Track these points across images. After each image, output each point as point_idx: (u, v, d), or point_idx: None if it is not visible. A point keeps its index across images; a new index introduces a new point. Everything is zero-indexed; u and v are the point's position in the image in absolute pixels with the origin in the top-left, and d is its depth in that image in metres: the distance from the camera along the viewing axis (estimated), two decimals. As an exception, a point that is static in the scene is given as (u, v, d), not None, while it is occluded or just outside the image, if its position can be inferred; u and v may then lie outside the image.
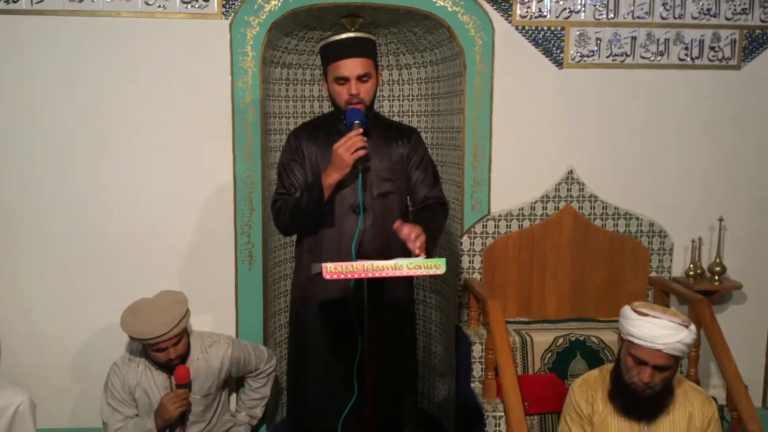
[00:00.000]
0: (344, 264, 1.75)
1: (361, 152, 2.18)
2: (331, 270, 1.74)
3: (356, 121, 2.23)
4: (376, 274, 1.76)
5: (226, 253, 3.14)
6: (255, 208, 3.12)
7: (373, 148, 2.29)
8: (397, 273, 1.77)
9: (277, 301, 3.46)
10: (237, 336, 3.18)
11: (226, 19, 3.04)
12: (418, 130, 3.60)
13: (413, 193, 2.45)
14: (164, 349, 2.62)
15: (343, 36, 2.29)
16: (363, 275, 1.75)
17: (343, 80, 2.27)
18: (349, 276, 1.74)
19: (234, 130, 3.09)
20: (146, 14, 3.01)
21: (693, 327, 2.15)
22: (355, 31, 3.24)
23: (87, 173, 3.09)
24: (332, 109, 2.48)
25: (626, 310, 2.21)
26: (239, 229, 3.14)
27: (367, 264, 1.76)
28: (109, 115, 3.06)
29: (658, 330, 2.09)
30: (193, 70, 3.06)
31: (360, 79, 2.27)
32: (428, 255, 2.26)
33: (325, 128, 2.41)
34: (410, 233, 2.06)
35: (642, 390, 2.16)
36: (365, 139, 2.20)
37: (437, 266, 1.79)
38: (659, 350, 2.09)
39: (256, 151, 3.10)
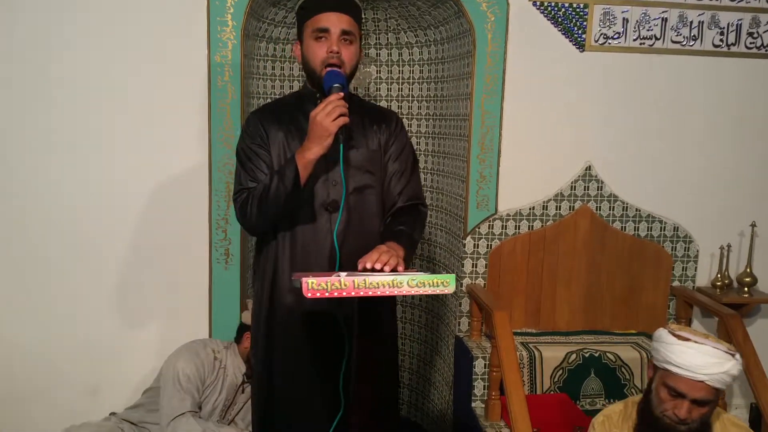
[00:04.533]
0: (330, 279, 1.41)
1: (345, 119, 1.79)
2: (313, 287, 1.39)
3: (335, 85, 1.85)
4: (369, 293, 1.41)
5: (199, 250, 2.79)
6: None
7: (351, 135, 1.92)
8: (395, 291, 1.43)
9: (258, 304, 3.11)
10: (210, 343, 2.83)
11: (204, -18, 2.67)
12: (419, 116, 3.27)
13: (387, 187, 2.07)
14: None
15: None
16: (353, 294, 1.41)
17: (324, 33, 1.90)
18: (335, 294, 1.40)
19: (210, 111, 2.72)
20: (112, -25, 2.63)
21: (738, 356, 1.83)
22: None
23: (40, 158, 2.71)
24: (299, 89, 2.12)
25: (662, 333, 1.88)
26: (214, 223, 2.78)
27: (359, 280, 1.41)
28: (65, 92, 2.68)
29: (701, 358, 1.78)
30: (164, 41, 2.68)
31: (344, 38, 1.91)
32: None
33: (291, 111, 2.03)
34: (375, 261, 1.67)
35: (675, 426, 1.84)
36: (346, 104, 1.82)
37: (445, 284, 1.44)
38: (701, 381, 1.78)
39: (236, 136, 2.69)
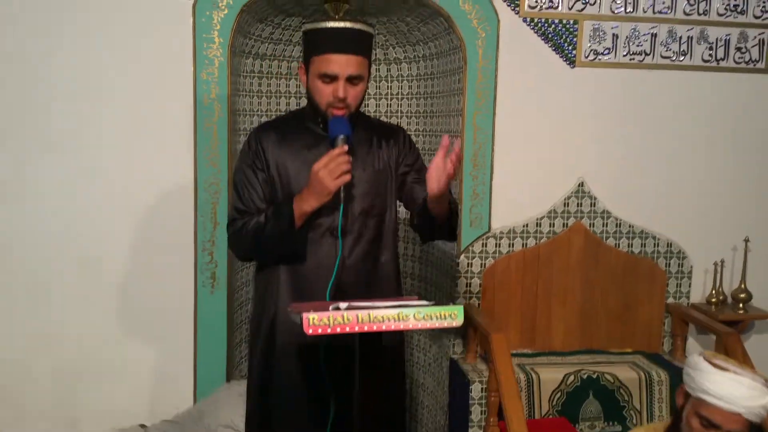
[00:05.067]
0: (331, 314, 1.33)
1: (346, 177, 1.76)
2: (314, 322, 1.31)
3: (341, 136, 1.80)
4: (374, 327, 1.34)
5: (183, 274, 2.68)
6: (219, 221, 2.67)
7: (355, 155, 1.86)
8: (401, 325, 1.36)
9: (244, 328, 3.01)
10: (195, 371, 2.72)
11: (189, -2, 2.59)
12: (409, 133, 3.20)
13: (411, 196, 2.01)
14: None
15: (339, 25, 1.85)
16: (356, 329, 1.33)
17: (330, 79, 1.84)
18: (338, 330, 1.32)
19: (196, 129, 2.63)
20: (93, -9, 2.54)
21: None
22: (340, 18, 2.84)
23: (16, 175, 2.59)
24: (303, 106, 2.06)
25: (699, 360, 1.80)
26: (200, 245, 2.68)
27: (363, 314, 1.34)
28: (45, 109, 2.58)
29: (740, 389, 1.70)
30: (149, 58, 2.60)
31: (350, 80, 1.85)
32: (452, 228, 1.92)
33: (295, 129, 1.97)
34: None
35: None
36: (350, 159, 1.78)
37: (453, 316, 1.38)
38: (738, 414, 1.70)
39: (222, 155, 2.65)
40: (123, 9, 2.57)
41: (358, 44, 1.85)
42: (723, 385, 1.70)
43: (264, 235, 1.82)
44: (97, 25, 2.56)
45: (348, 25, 1.84)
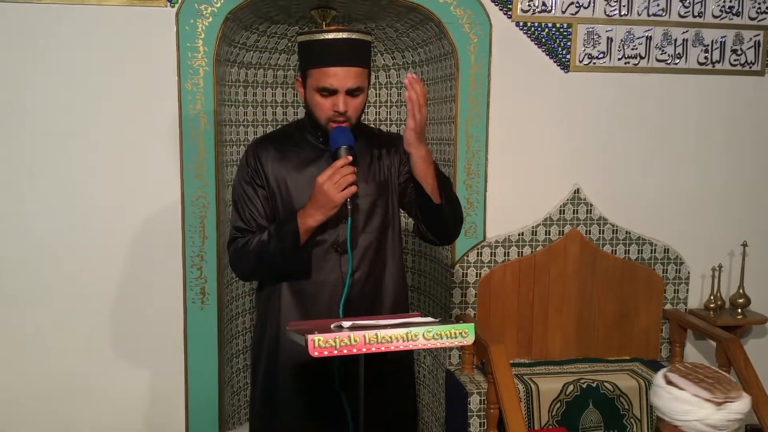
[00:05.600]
0: (337, 335, 1.26)
1: (352, 189, 1.70)
2: (320, 345, 1.24)
3: (344, 146, 1.74)
4: (382, 348, 1.27)
5: (172, 290, 2.59)
6: (208, 235, 2.58)
7: (358, 166, 1.79)
8: (410, 345, 1.29)
9: (235, 342, 2.92)
10: (186, 386, 2.63)
11: (172, 6, 2.50)
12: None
13: (412, 202, 1.91)
14: None
15: (338, 36, 1.77)
16: (364, 350, 1.26)
17: (329, 92, 1.77)
18: (345, 352, 1.25)
19: (182, 141, 2.55)
20: (75, 0, 2.44)
21: (736, 405, 1.70)
22: (328, 24, 2.78)
23: (10, 196, 2.50)
24: (303, 117, 1.98)
25: (657, 375, 1.77)
26: (189, 261, 2.59)
27: (370, 335, 1.26)
28: (28, 123, 2.48)
29: (677, 404, 1.67)
30: (132, 69, 2.51)
31: (350, 93, 1.78)
32: (449, 202, 1.82)
33: (294, 143, 1.90)
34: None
35: None
36: (355, 169, 1.72)
37: (464, 334, 1.31)
38: (676, 426, 1.68)
39: (209, 167, 2.57)
40: (107, 20, 2.47)
41: (356, 55, 1.78)
42: (663, 401, 1.69)
43: (267, 253, 1.75)
44: (81, 38, 2.47)
45: (345, 35, 1.76)
